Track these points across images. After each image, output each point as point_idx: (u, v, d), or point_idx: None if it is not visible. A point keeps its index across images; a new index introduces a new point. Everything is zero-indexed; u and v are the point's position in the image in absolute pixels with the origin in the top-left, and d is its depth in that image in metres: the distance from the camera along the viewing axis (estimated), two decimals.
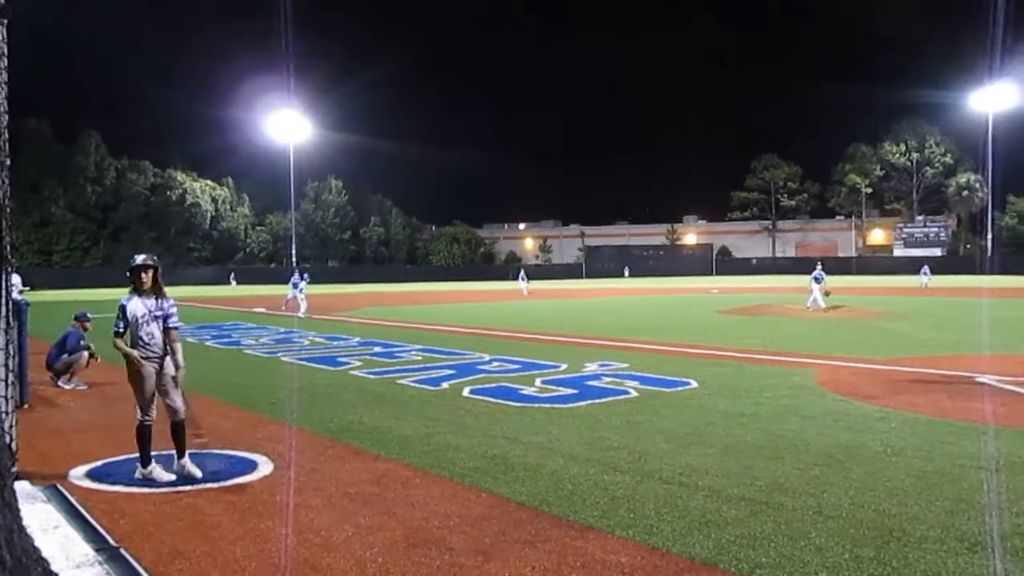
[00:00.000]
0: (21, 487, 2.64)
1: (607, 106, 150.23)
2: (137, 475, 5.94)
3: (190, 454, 6.12)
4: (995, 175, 70.83)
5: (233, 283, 64.73)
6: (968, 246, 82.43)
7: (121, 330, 5.97)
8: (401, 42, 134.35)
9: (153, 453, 6.00)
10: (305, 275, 28.69)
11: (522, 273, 46.98)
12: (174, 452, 6.07)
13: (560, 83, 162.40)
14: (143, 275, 6.02)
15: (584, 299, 37.62)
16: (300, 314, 26.33)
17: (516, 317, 24.30)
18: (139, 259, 6.09)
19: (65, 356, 10.57)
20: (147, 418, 5.98)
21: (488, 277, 78.13)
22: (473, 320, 22.92)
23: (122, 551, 4.39)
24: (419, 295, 43.16)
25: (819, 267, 26.22)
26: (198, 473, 5.96)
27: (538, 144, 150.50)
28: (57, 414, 8.87)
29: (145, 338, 5.97)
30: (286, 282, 30.50)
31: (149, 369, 5.96)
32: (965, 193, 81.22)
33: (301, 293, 27.20)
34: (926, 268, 44.88)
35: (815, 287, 25.28)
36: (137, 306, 5.99)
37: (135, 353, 5.93)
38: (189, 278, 63.42)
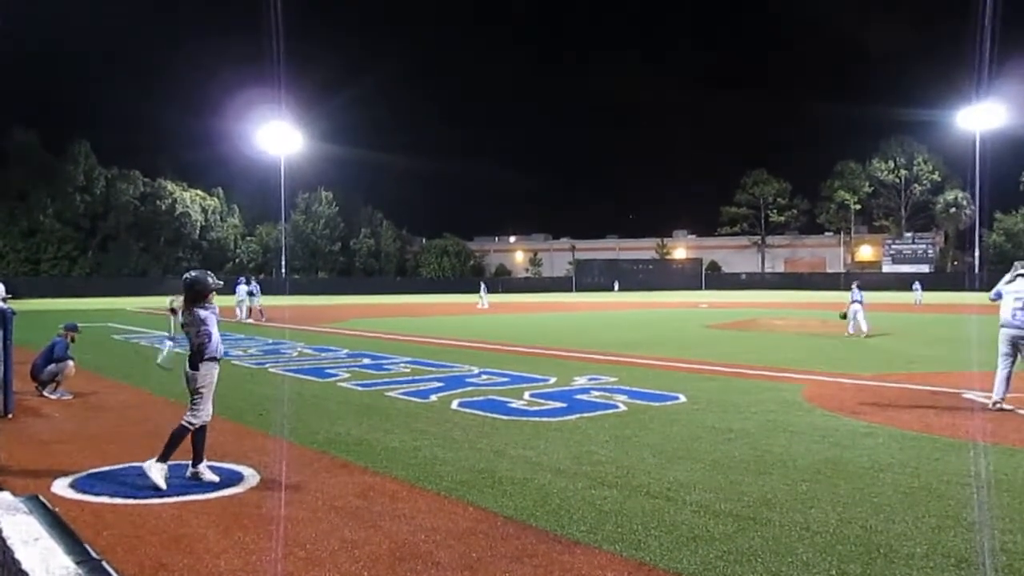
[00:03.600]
0: (2, 497, 2.60)
1: (598, 120, 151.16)
2: (187, 474, 6.14)
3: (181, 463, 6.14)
4: (982, 193, 71.71)
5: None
6: (956, 263, 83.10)
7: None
8: (392, 54, 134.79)
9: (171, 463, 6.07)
10: (241, 280, 30.25)
11: (483, 287, 45.83)
12: (187, 460, 6.23)
13: (551, 97, 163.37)
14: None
15: (573, 313, 37.64)
16: (242, 319, 27.78)
17: (505, 330, 24.28)
18: (212, 280, 6.50)
19: (51, 366, 10.48)
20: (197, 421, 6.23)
21: (477, 290, 78.02)
22: (462, 333, 22.88)
23: (104, 564, 4.32)
24: (408, 307, 43.10)
25: (856, 286, 21.44)
26: (215, 478, 6.14)
27: (529, 157, 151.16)
28: (41, 424, 8.77)
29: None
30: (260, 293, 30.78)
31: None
32: (952, 210, 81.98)
33: (249, 300, 28.73)
34: (918, 284, 44.40)
35: (858, 309, 20.43)
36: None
37: None
38: (173, 288, 62.68)
